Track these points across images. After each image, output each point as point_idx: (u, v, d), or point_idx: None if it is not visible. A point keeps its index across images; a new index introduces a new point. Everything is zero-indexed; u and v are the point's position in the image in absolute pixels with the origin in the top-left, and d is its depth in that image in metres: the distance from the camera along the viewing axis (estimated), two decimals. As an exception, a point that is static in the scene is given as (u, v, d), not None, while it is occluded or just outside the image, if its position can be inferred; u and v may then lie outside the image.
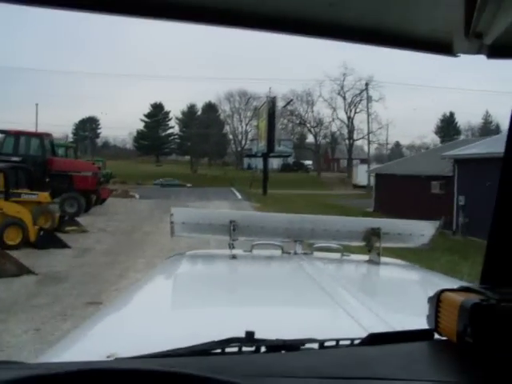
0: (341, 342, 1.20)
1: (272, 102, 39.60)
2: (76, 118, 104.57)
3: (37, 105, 73.68)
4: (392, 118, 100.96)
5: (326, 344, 1.20)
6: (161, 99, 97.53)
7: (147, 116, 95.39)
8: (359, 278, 3.04)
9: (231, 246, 2.96)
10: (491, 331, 1.02)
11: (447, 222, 21.57)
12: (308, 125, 77.54)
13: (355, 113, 75.03)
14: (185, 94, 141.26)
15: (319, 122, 78.42)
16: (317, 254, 3.09)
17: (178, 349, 1.13)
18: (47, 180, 22.67)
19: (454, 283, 1.34)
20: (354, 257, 3.13)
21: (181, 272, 2.86)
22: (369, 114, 54.84)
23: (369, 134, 55.54)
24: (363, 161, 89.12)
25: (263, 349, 1.17)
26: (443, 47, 1.35)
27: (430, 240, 3.16)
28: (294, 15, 1.22)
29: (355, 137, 77.33)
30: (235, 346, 1.16)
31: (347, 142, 78.24)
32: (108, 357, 1.25)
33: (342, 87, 73.86)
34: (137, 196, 37.84)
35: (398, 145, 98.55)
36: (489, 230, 1.21)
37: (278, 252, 3.04)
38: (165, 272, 2.86)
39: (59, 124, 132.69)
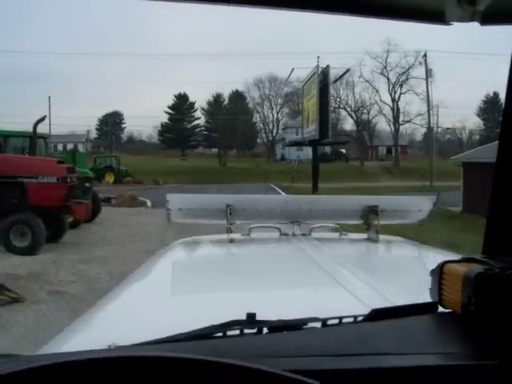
0: (344, 320, 1.15)
1: (324, 73, 28.51)
2: (100, 114, 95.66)
3: (49, 97, 63.83)
4: (442, 99, 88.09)
5: (329, 322, 1.14)
6: (185, 89, 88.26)
7: (171, 108, 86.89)
8: (358, 256, 2.87)
9: (229, 230, 2.83)
10: (496, 300, 0.97)
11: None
12: (348, 109, 66.56)
13: (401, 93, 64.11)
14: (211, 82, 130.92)
15: (362, 106, 67.53)
16: (315, 234, 2.98)
17: (179, 334, 1.08)
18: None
19: (454, 257, 1.23)
20: (352, 235, 3.07)
21: (180, 258, 2.76)
22: (428, 91, 43.66)
23: (429, 112, 44.28)
24: (404, 148, 78.77)
25: (265, 330, 1.11)
26: (435, 15, 1.31)
27: (428, 215, 3.05)
28: None
29: (401, 120, 66.20)
30: (237, 329, 1.10)
31: (392, 126, 66.95)
32: (109, 346, 1.16)
33: (386, 66, 63.08)
34: (148, 203, 26.02)
35: (430, 130, 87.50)
36: (489, 200, 1.18)
37: (276, 234, 2.94)
38: (164, 259, 2.63)
39: (83, 118, 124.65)
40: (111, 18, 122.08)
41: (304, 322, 1.13)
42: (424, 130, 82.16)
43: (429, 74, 44.24)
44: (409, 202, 3.14)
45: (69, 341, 1.49)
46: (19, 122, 40.04)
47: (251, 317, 1.13)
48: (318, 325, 1.14)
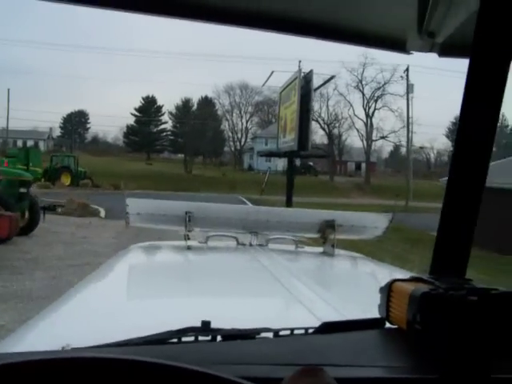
0: (295, 331, 1.19)
1: (306, 79, 25.48)
2: (66, 111, 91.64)
3: (8, 90, 59.67)
4: (417, 117, 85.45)
5: (281, 333, 1.17)
6: (154, 92, 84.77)
7: (138, 110, 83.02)
8: (313, 269, 2.89)
9: (186, 237, 2.81)
10: (438, 318, 1.01)
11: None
12: (321, 122, 63.59)
13: (375, 109, 61.61)
14: (180, 87, 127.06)
15: (335, 119, 64.75)
16: (272, 245, 2.96)
17: (134, 338, 1.08)
18: None
19: (405, 275, 1.30)
20: (308, 249, 3.08)
21: (136, 263, 2.70)
22: (409, 107, 40.95)
23: (408, 129, 41.58)
24: (372, 164, 76.57)
25: (219, 338, 1.14)
26: (397, 44, 1.38)
27: (384, 232, 3.08)
28: (255, 10, 1.25)
29: (374, 136, 63.73)
30: (191, 336, 1.12)
31: (364, 142, 64.45)
32: (63, 348, 1.14)
33: (361, 80, 60.52)
34: (102, 213, 22.02)
35: (397, 148, 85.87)
36: (439, 224, 1.23)
37: (233, 243, 2.93)
38: (120, 263, 2.59)
39: (48, 115, 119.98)
40: (81, 9, 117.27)
41: (257, 331, 1.14)
42: (390, 147, 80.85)
43: (410, 89, 41.70)
44: (365, 218, 3.15)
45: (21, 341, 1.43)
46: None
47: (206, 324, 1.14)
48: (270, 335, 1.15)
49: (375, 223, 3.05)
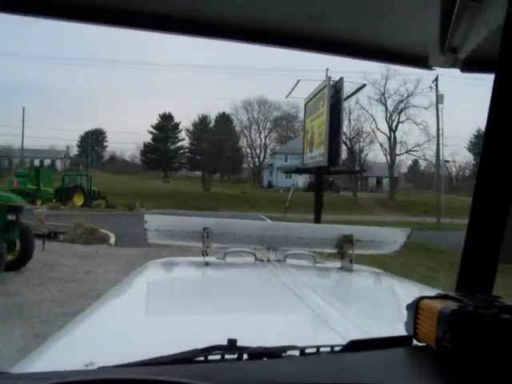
0: (321, 349, 1.16)
1: (335, 87, 22.97)
2: (84, 129, 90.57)
3: (23, 108, 58.17)
4: (445, 129, 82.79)
5: (307, 351, 1.16)
6: (170, 109, 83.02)
7: (155, 128, 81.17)
8: (333, 285, 2.83)
9: (204, 254, 2.76)
10: (469, 337, 0.99)
11: None
12: (343, 136, 60.97)
13: (399, 122, 58.98)
14: (197, 103, 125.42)
15: (358, 134, 62.19)
16: (290, 261, 2.90)
17: (161, 357, 1.06)
18: None
19: (426, 291, 1.23)
20: (326, 264, 3.03)
21: (155, 279, 2.64)
22: (438, 118, 38.16)
23: (438, 142, 38.84)
24: (395, 179, 73.88)
25: (245, 356, 1.11)
26: (419, 60, 1.38)
27: (402, 247, 3.00)
28: (275, 28, 1.25)
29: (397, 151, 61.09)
30: (218, 354, 1.10)
31: (388, 157, 61.80)
32: (86, 365, 1.14)
33: (384, 93, 58.02)
34: (112, 239, 19.19)
35: (416, 163, 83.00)
36: (464, 240, 1.21)
37: (251, 259, 2.86)
38: (139, 279, 2.52)
39: (66, 133, 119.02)
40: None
41: (283, 349, 1.13)
42: (410, 162, 78.11)
43: (440, 99, 38.96)
44: (384, 233, 3.08)
45: (43, 359, 1.39)
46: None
47: (232, 342, 1.13)
48: (297, 353, 1.14)
49: (393, 238, 2.96)
